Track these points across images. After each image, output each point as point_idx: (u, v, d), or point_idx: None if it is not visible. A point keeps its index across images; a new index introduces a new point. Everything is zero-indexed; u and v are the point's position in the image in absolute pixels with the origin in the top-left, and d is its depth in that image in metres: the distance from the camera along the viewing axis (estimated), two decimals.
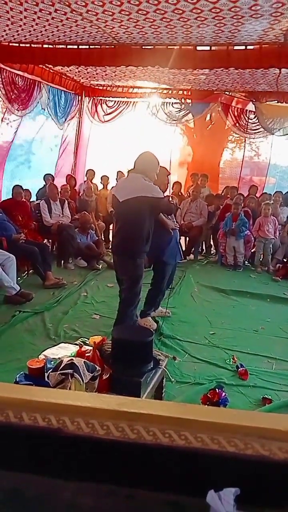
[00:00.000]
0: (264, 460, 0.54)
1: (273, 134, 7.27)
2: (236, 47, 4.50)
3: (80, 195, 7.10)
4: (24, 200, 5.56)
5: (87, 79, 7.19)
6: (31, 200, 6.33)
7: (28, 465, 0.59)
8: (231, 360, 3.28)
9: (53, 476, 0.58)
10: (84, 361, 2.14)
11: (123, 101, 7.82)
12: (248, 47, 4.47)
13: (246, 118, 7.39)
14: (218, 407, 2.55)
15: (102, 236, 6.73)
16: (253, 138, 7.72)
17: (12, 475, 0.59)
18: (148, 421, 0.58)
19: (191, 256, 6.55)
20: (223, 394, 2.64)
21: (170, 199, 4.06)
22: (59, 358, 2.25)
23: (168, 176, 3.88)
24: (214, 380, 2.94)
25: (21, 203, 5.41)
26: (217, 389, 2.67)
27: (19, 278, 4.62)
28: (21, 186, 5.52)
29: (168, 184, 3.98)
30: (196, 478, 0.56)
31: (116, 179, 6.88)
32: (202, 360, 3.27)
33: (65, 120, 7.32)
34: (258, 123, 7.26)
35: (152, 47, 4.67)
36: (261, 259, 6.25)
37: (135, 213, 3.12)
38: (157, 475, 0.57)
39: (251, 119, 7.37)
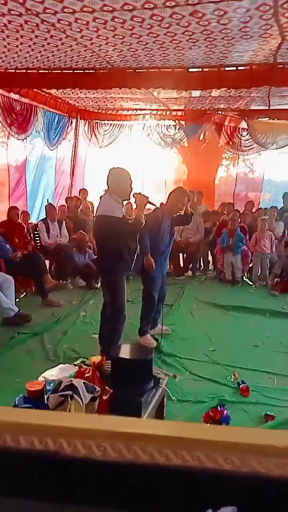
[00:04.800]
0: (261, 477, 0.53)
1: (266, 149, 7.40)
2: (227, 68, 4.62)
3: (77, 215, 7.15)
4: (20, 222, 5.56)
5: (81, 102, 7.33)
6: (29, 221, 6.37)
7: (25, 491, 0.58)
8: (232, 376, 3.24)
9: (50, 500, 0.58)
10: (83, 382, 2.12)
11: (118, 124, 7.96)
12: (239, 68, 4.59)
13: (239, 136, 7.53)
14: (220, 425, 2.52)
15: None
16: (247, 155, 7.84)
17: (9, 502, 0.58)
18: (145, 441, 0.57)
19: (189, 273, 6.56)
20: (225, 412, 2.61)
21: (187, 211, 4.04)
22: (58, 379, 2.23)
23: (189, 198, 3.96)
24: (216, 398, 2.90)
25: (17, 224, 5.41)
26: (219, 407, 2.64)
27: (17, 300, 4.61)
28: (16, 208, 5.56)
29: (184, 204, 3.92)
30: (193, 497, 0.55)
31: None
32: (203, 377, 3.24)
33: (56, 141, 7.42)
34: (251, 140, 7.39)
35: (146, 70, 4.78)
36: (258, 274, 6.27)
37: (100, 231, 3.25)
38: (155, 496, 0.56)
39: (243, 136, 7.50)
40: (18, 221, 5.47)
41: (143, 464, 0.55)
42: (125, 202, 3.46)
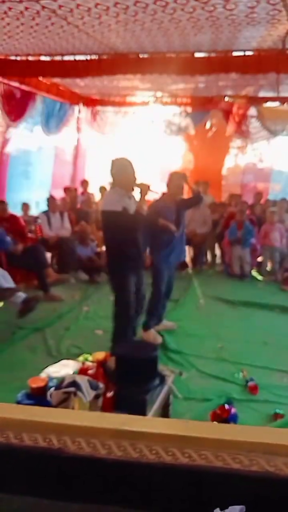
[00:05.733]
0: (269, 476, 0.52)
1: (276, 136, 7.23)
2: (234, 54, 4.50)
3: (79, 206, 7.06)
4: (13, 214, 5.36)
5: (84, 89, 7.21)
6: (29, 213, 6.29)
7: (29, 488, 0.57)
8: (241, 374, 3.19)
9: (54, 498, 0.57)
10: (87, 379, 2.10)
11: (121, 111, 7.83)
12: (247, 53, 4.46)
13: (248, 123, 7.36)
14: (228, 423, 2.46)
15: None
16: (256, 143, 7.66)
17: (12, 499, 0.56)
18: (150, 439, 0.57)
19: (196, 266, 6.46)
20: (233, 410, 2.57)
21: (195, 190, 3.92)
22: (61, 375, 2.21)
23: (186, 180, 3.83)
24: (223, 396, 2.85)
25: (7, 218, 5.18)
26: (226, 405, 2.60)
27: None
28: (2, 201, 5.33)
29: (183, 189, 3.88)
30: (200, 496, 0.54)
31: (101, 196, 6.84)
32: (210, 375, 3.19)
33: (58, 130, 7.29)
34: (260, 127, 7.22)
35: (150, 55, 4.68)
36: (268, 268, 6.15)
37: (105, 228, 3.16)
38: (161, 494, 0.55)
39: (252, 123, 7.33)
40: (7, 215, 5.17)
41: (149, 462, 0.54)
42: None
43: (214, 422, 2.47)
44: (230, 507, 0.50)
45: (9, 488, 0.57)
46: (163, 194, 3.81)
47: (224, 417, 2.49)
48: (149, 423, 0.63)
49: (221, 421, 2.47)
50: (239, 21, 3.69)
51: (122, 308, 3.21)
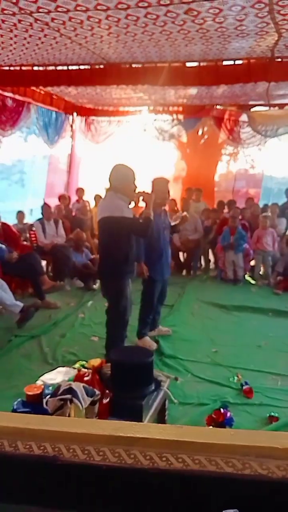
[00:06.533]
0: (262, 479, 0.53)
1: (267, 138, 7.30)
2: (225, 62, 4.58)
3: (74, 214, 7.09)
4: (5, 222, 5.30)
5: (77, 99, 7.27)
6: (24, 221, 6.30)
7: (24, 496, 0.58)
8: (235, 378, 3.20)
9: (50, 506, 0.58)
10: (83, 386, 2.09)
11: (115, 120, 7.90)
12: (237, 62, 4.54)
13: (239, 129, 7.44)
14: (223, 427, 2.47)
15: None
16: (247, 148, 7.74)
17: (8, 507, 0.58)
18: (144, 445, 0.58)
19: (191, 272, 6.50)
20: (228, 414, 2.58)
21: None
22: (57, 383, 2.20)
23: (168, 185, 3.83)
24: (219, 400, 2.86)
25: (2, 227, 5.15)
26: (222, 409, 2.61)
27: None
28: None
29: (169, 194, 3.90)
30: (195, 501, 0.55)
31: (95, 204, 6.87)
32: (205, 379, 3.20)
33: (57, 140, 7.35)
34: (251, 133, 7.30)
35: (141, 65, 4.74)
36: (260, 272, 6.20)
37: (107, 233, 3.09)
38: (156, 500, 0.56)
39: (243, 129, 7.42)
40: None
41: (143, 468, 0.55)
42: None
43: (210, 426, 2.49)
44: (224, 511, 0.51)
45: (4, 497, 0.58)
46: None
47: (220, 421, 2.50)
48: (143, 428, 0.63)
49: (217, 425, 2.47)
50: (229, 33, 3.77)
51: (118, 313, 3.18)
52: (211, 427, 2.47)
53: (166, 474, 0.54)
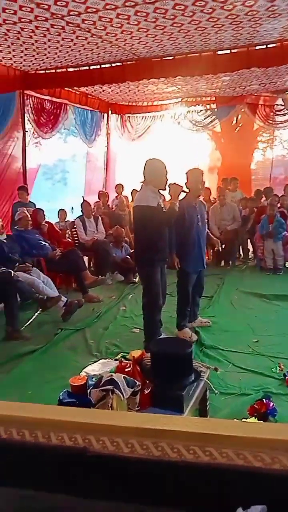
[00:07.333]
0: None
1: None
2: (257, 47, 4.47)
3: (113, 210, 7.22)
4: (48, 221, 5.50)
5: (111, 97, 7.35)
6: (66, 219, 6.50)
7: (57, 486, 0.60)
8: (278, 368, 3.15)
9: (82, 496, 0.59)
10: (124, 377, 2.13)
11: (149, 116, 7.92)
12: (269, 45, 4.42)
13: (274, 113, 7.20)
14: (266, 418, 2.46)
15: None
16: (284, 130, 7.44)
17: (43, 496, 0.60)
18: (172, 438, 0.57)
19: (229, 262, 6.43)
20: (271, 404, 2.53)
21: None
22: (99, 374, 2.27)
23: (202, 176, 3.85)
24: (261, 390, 2.82)
25: (44, 225, 5.34)
26: (264, 400, 2.56)
27: None
28: (40, 209, 5.50)
29: (203, 185, 3.96)
30: (222, 496, 0.55)
31: (132, 198, 6.94)
32: (247, 369, 3.17)
33: (94, 138, 7.50)
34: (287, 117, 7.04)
35: (172, 57, 4.73)
36: None
37: (137, 222, 3.36)
38: (183, 493, 0.56)
39: (278, 112, 7.17)
40: (43, 222, 5.37)
41: (170, 461, 0.55)
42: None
43: (252, 417, 2.47)
44: (252, 507, 0.50)
45: (37, 485, 0.59)
46: (186, 193, 3.83)
47: (262, 411, 2.47)
48: (171, 421, 0.63)
49: (259, 415, 2.45)
50: (259, 15, 3.68)
51: (151, 297, 3.36)
52: (253, 418, 2.46)
53: (193, 467, 0.54)
